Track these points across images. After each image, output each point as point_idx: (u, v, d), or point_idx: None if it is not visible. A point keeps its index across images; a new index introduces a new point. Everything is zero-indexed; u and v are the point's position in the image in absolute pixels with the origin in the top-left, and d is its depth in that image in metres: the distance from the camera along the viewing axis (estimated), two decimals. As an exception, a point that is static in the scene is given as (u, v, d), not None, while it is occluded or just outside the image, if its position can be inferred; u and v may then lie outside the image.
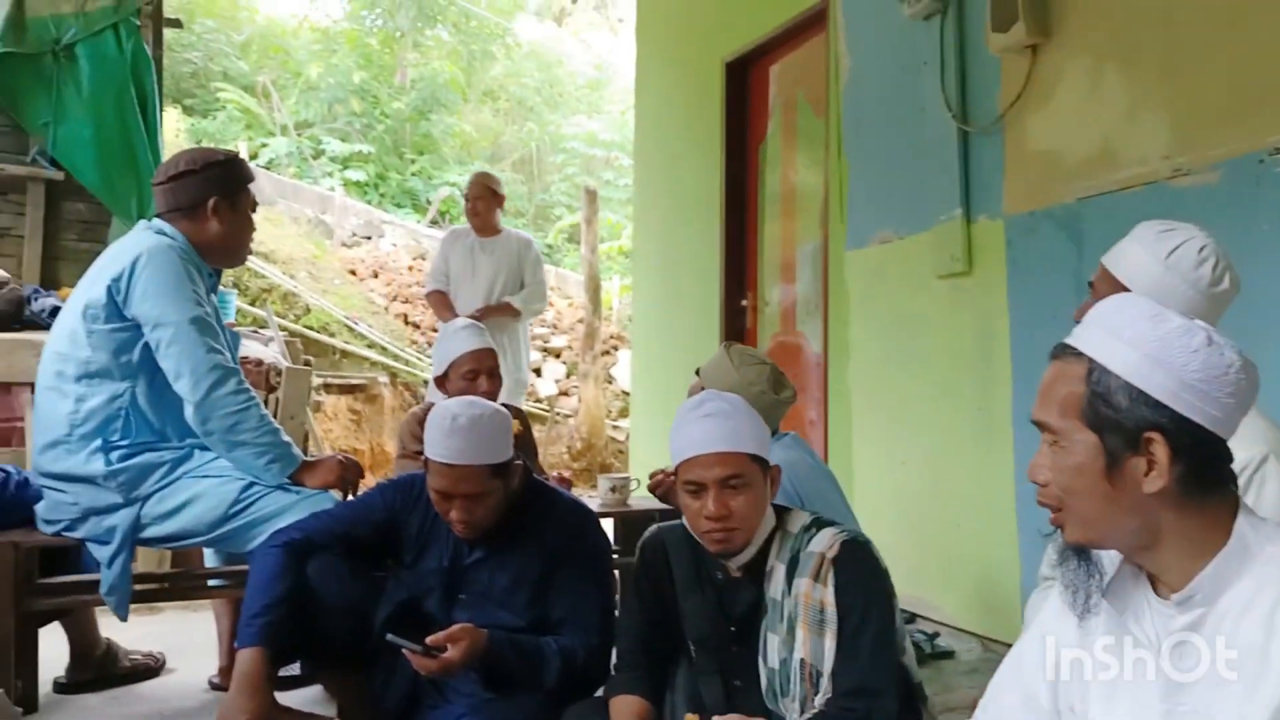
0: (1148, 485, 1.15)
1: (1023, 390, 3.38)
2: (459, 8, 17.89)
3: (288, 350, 5.50)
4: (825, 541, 1.90)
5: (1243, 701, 1.09)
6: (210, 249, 2.73)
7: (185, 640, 3.33)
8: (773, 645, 1.92)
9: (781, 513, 2.02)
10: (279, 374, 4.56)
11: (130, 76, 4.89)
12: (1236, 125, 2.74)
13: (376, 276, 11.36)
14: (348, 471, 2.71)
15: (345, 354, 9.31)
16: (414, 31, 17.51)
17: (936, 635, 3.48)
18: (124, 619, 2.60)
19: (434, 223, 14.17)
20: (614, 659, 2.21)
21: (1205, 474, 1.16)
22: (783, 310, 5.14)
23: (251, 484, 2.58)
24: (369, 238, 12.69)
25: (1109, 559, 1.27)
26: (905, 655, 1.98)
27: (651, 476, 2.97)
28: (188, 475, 2.58)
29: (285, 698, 2.38)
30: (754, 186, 5.41)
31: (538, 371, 10.49)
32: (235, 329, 3.48)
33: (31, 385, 3.27)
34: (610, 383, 10.85)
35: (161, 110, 5.19)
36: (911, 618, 3.68)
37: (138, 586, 2.65)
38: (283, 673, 2.47)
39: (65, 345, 2.57)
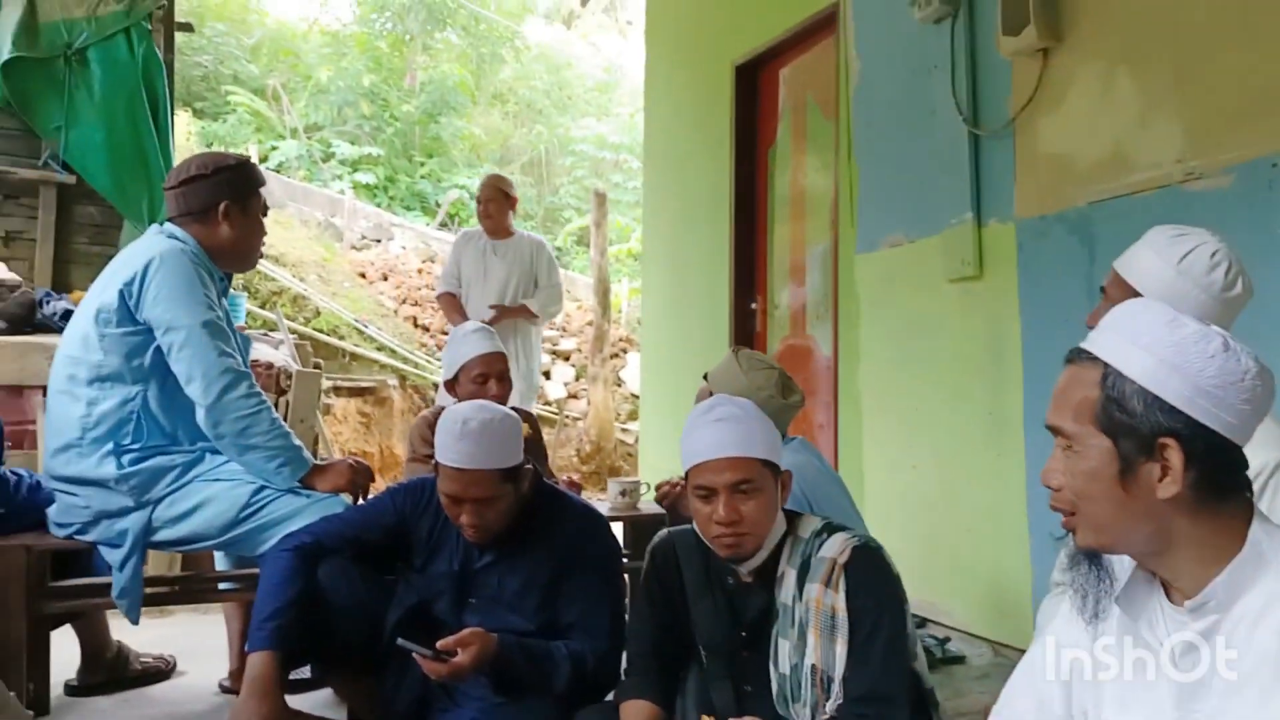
0: (1161, 491, 1.14)
1: (1034, 394, 3.37)
2: (468, 11, 17.92)
3: (298, 353, 5.51)
4: (836, 547, 1.89)
5: (1257, 708, 1.09)
6: (221, 253, 2.74)
7: (196, 643, 3.34)
8: (784, 651, 1.92)
9: (792, 518, 2.02)
10: (289, 377, 4.57)
11: (142, 80, 4.91)
12: (1249, 129, 2.73)
13: (386, 279, 11.37)
14: (358, 475, 2.71)
15: (355, 357, 9.32)
16: (423, 35, 17.54)
17: (947, 640, 3.47)
18: (135, 622, 2.61)
19: (443, 225, 14.18)
20: (624, 663, 2.21)
21: (1220, 480, 1.15)
22: (792, 313, 5.13)
23: (262, 488, 2.59)
24: (378, 241, 12.71)
25: (1120, 565, 1.26)
26: (917, 661, 1.98)
27: (658, 488, 2.97)
28: (199, 479, 2.59)
29: (296, 701, 2.38)
30: (764, 189, 5.40)
31: (547, 374, 10.49)
32: (246, 332, 3.49)
33: (43, 388, 3.28)
34: (619, 386, 10.85)
35: (173, 114, 5.21)
36: (922, 622, 3.67)
37: (148, 590, 2.66)
38: (293, 676, 2.48)
39: (77, 349, 2.58)
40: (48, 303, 4.17)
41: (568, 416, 10.17)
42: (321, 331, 9.20)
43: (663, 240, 6.65)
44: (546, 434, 6.05)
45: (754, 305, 5.38)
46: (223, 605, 3.03)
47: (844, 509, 2.72)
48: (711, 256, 5.64)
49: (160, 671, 3.12)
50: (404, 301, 10.98)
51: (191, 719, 2.86)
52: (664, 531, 2.20)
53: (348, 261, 11.53)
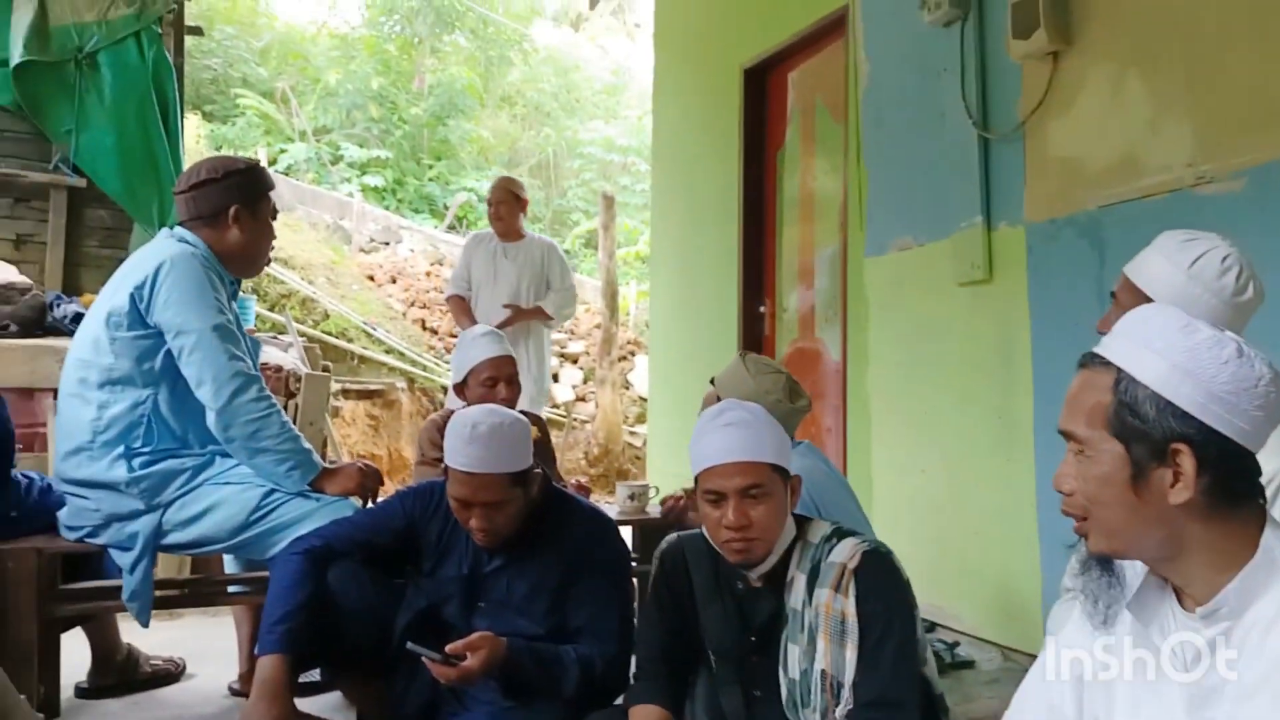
0: (1173, 496, 1.14)
1: (1044, 398, 3.36)
2: (477, 14, 17.96)
3: (307, 356, 5.52)
4: (846, 552, 1.89)
5: (1269, 715, 1.09)
6: (231, 257, 2.75)
7: (205, 646, 3.35)
8: (793, 656, 1.91)
9: (802, 522, 2.01)
10: (298, 380, 4.57)
11: (152, 84, 4.93)
12: (1261, 132, 2.72)
13: (394, 282, 11.40)
14: (367, 479, 2.71)
15: (363, 359, 9.34)
16: (432, 38, 17.59)
17: (956, 645, 3.46)
18: (145, 625, 2.62)
19: (451, 228, 14.22)
20: (633, 668, 2.21)
21: (1232, 486, 1.15)
22: (801, 316, 5.13)
23: (272, 491, 2.59)
24: (387, 243, 12.75)
25: (1133, 570, 1.26)
26: (926, 666, 1.98)
27: (663, 503, 2.96)
28: (209, 482, 2.60)
29: (305, 704, 2.38)
30: (772, 192, 5.40)
31: (555, 377, 10.50)
32: (255, 335, 3.50)
33: (54, 391, 3.30)
34: (627, 388, 10.85)
35: (183, 117, 5.23)
36: (931, 627, 3.66)
37: (158, 592, 2.67)
38: (302, 679, 2.48)
39: (88, 352, 2.59)
40: (58, 306, 4.18)
41: (575, 419, 10.17)
42: (330, 334, 9.23)
43: (671, 243, 6.65)
44: (554, 437, 6.05)
45: (762, 308, 5.38)
46: (232, 608, 3.04)
47: (851, 513, 2.71)
48: (720, 259, 5.64)
49: (170, 674, 3.13)
50: (412, 304, 11.01)
51: (201, 722, 2.87)
52: (673, 536, 2.19)
53: (356, 264, 11.57)
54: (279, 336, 6.33)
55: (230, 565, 2.95)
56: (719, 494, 1.91)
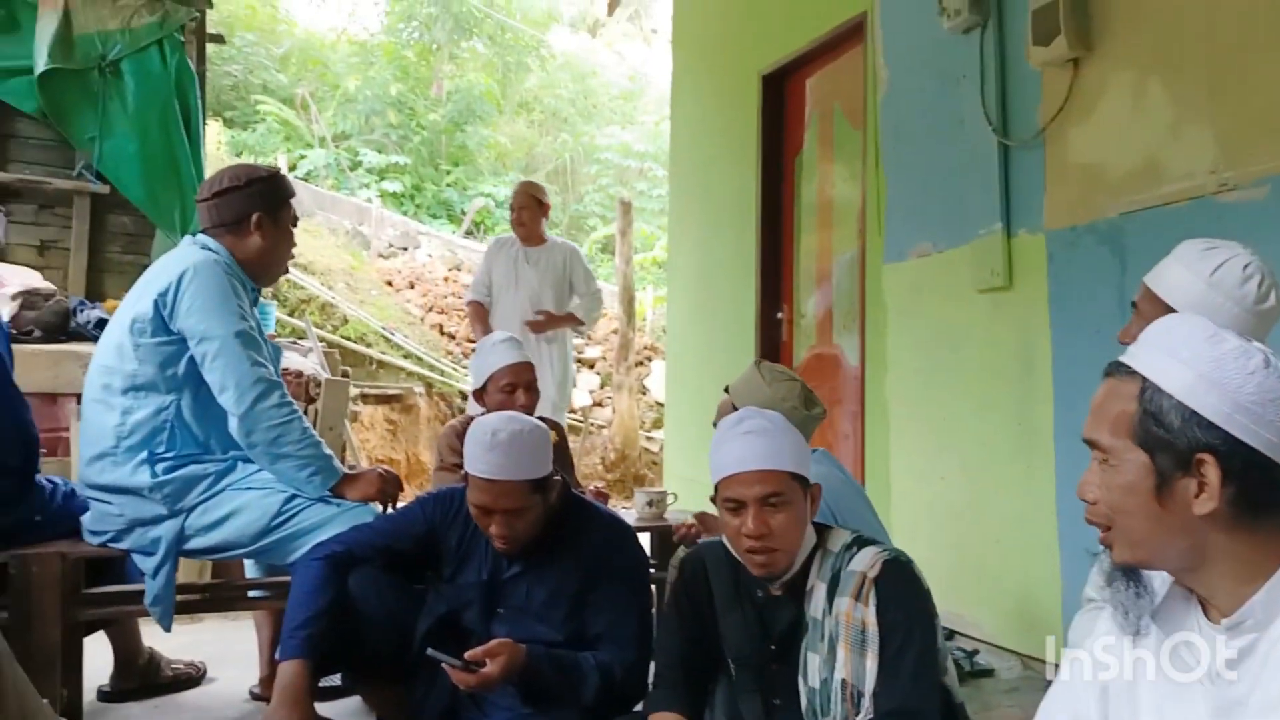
0: (1198, 507, 1.13)
1: (1064, 406, 3.34)
2: (494, 20, 18.04)
3: (326, 361, 5.56)
4: (867, 560, 1.89)
5: (1294, 727, 1.08)
6: (253, 264, 2.77)
7: (226, 650, 3.36)
8: (813, 664, 1.91)
9: (822, 531, 2.01)
10: (318, 385, 4.60)
11: (174, 91, 4.98)
12: (1284, 139, 2.70)
13: (413, 287, 11.45)
14: (388, 485, 2.73)
15: (382, 364, 9.39)
16: (450, 44, 17.67)
17: (976, 653, 3.44)
18: (168, 629, 2.63)
19: (469, 233, 14.27)
20: (651, 675, 2.21)
21: (1258, 497, 1.14)
22: (819, 323, 5.12)
23: (293, 496, 2.61)
24: (405, 249, 12.81)
25: (1159, 580, 1.25)
26: (946, 675, 1.97)
27: (676, 529, 2.95)
28: (231, 487, 2.61)
29: (325, 708, 2.40)
30: (790, 198, 5.40)
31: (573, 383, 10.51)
32: (275, 340, 3.52)
33: (77, 396, 3.32)
34: (644, 394, 10.86)
35: (205, 124, 5.27)
36: (950, 635, 3.64)
37: (180, 597, 2.67)
38: (323, 683, 2.49)
39: (112, 358, 2.61)
40: (82, 311, 4.22)
41: (592, 424, 10.18)
42: (349, 339, 9.27)
43: (688, 248, 6.65)
44: (571, 442, 6.07)
45: (780, 314, 5.38)
46: (253, 612, 3.06)
47: (867, 521, 2.71)
48: (737, 265, 5.64)
49: (191, 678, 3.15)
50: (430, 309, 11.05)
51: (221, 726, 2.89)
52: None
53: (375, 269, 11.62)
54: (299, 341, 6.37)
55: (251, 570, 2.97)
56: (739, 502, 1.91)
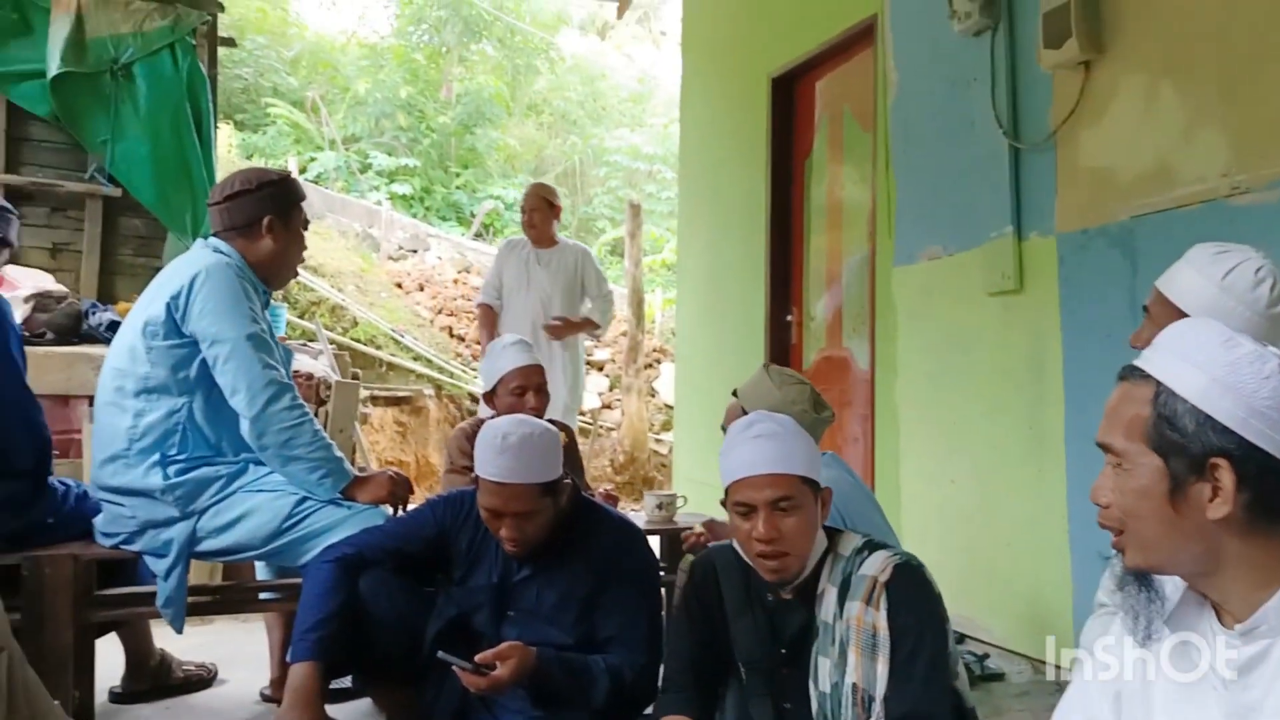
0: (1212, 511, 1.13)
1: (1075, 410, 3.33)
2: (504, 23, 18.07)
3: (336, 363, 5.57)
4: (878, 565, 1.88)
5: (1309, 733, 1.08)
6: (264, 267, 2.78)
7: (237, 651, 3.37)
8: (824, 669, 1.91)
9: (833, 535, 2.01)
10: (329, 388, 4.61)
11: (186, 95, 5.00)
12: (1297, 142, 2.69)
13: (422, 289, 11.47)
14: (398, 487, 2.73)
15: (391, 366, 9.41)
16: (459, 47, 17.71)
17: (986, 657, 3.43)
18: (179, 631, 2.64)
19: (478, 236, 14.30)
20: (661, 678, 2.21)
21: (1272, 502, 1.14)
22: (828, 325, 5.11)
23: (305, 499, 2.62)
24: (415, 251, 12.83)
25: (1172, 585, 1.25)
26: (958, 680, 1.96)
27: (684, 539, 2.96)
28: (242, 490, 2.62)
29: (336, 710, 2.40)
30: (799, 201, 5.39)
31: (582, 386, 10.52)
32: (286, 343, 3.53)
33: (89, 398, 3.34)
34: (653, 396, 10.86)
35: (216, 128, 5.29)
36: (961, 638, 3.63)
37: (191, 599, 2.68)
38: (333, 685, 2.49)
39: (125, 361, 2.62)
40: (94, 313, 4.24)
41: (601, 427, 10.19)
42: (359, 341, 9.29)
43: (698, 251, 6.65)
44: (581, 444, 6.07)
45: (790, 317, 5.37)
46: (264, 614, 3.07)
47: (877, 524, 2.71)
48: (747, 267, 5.64)
49: (202, 680, 3.16)
50: (440, 311, 11.07)
51: (233, 728, 2.89)
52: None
53: (385, 272, 11.65)
54: (309, 344, 6.39)
55: (262, 572, 2.97)
56: (749, 506, 1.90)
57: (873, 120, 4.56)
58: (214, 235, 2.77)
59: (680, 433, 6.98)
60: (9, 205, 2.87)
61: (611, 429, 10.30)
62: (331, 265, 10.34)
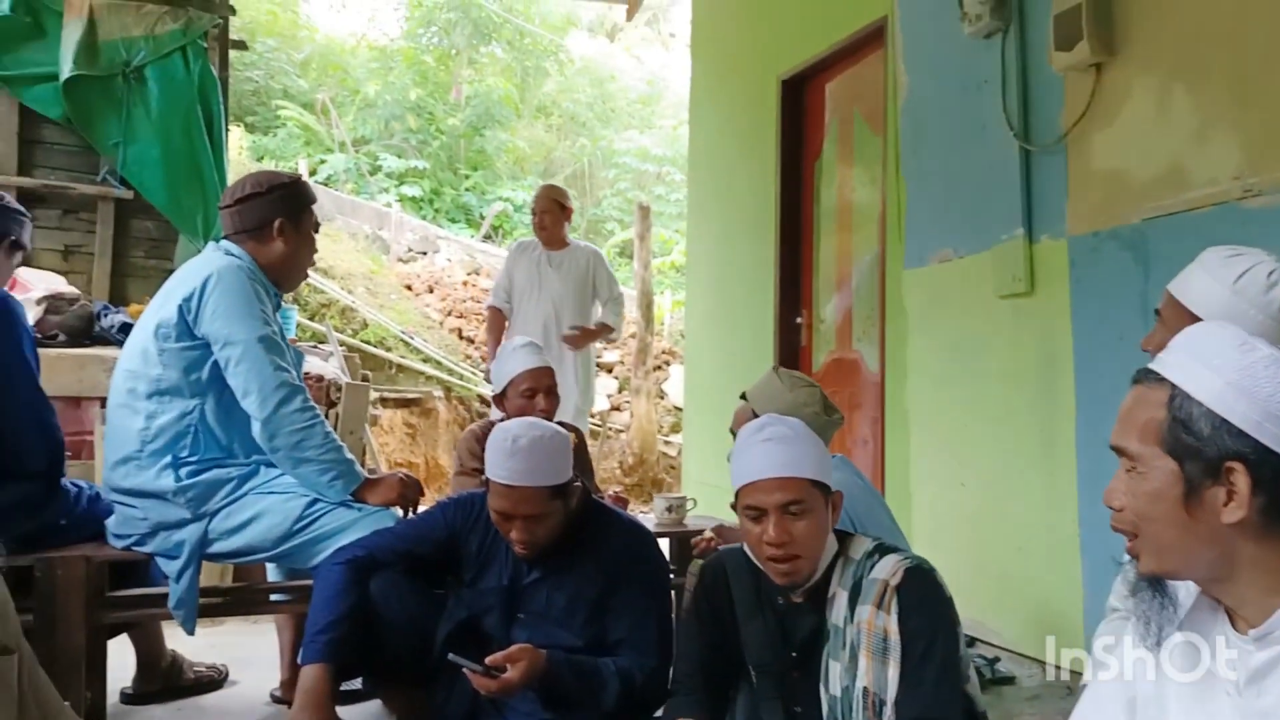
0: (1226, 515, 1.13)
1: (1087, 414, 3.32)
2: (513, 25, 18.09)
3: (346, 365, 5.58)
4: (889, 568, 1.88)
5: (1324, 739, 1.07)
6: (275, 269, 2.79)
7: (248, 652, 3.38)
8: (835, 672, 1.91)
9: (843, 538, 2.01)
10: (339, 389, 4.62)
11: (197, 97, 5.02)
12: (1310, 144, 2.68)
13: (432, 291, 11.49)
14: (408, 490, 2.74)
15: (401, 368, 9.42)
16: (469, 49, 17.72)
17: (997, 660, 3.42)
18: (191, 632, 2.65)
19: (487, 238, 14.31)
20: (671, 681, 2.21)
21: None
22: (838, 328, 5.10)
23: (315, 501, 2.62)
24: (424, 253, 12.85)
25: (1185, 590, 1.25)
26: (969, 684, 1.96)
27: (694, 544, 2.96)
28: (254, 491, 2.63)
29: (346, 712, 2.41)
30: (809, 203, 5.39)
31: (591, 388, 10.52)
32: (297, 345, 3.54)
33: (101, 400, 3.36)
34: (662, 398, 10.85)
35: (227, 130, 5.31)
36: (971, 642, 3.62)
37: (202, 600, 2.70)
38: (344, 687, 2.50)
39: (137, 363, 2.63)
40: (105, 315, 4.25)
41: (610, 429, 10.19)
42: (369, 343, 9.31)
43: (707, 253, 6.65)
44: (590, 446, 6.08)
45: (799, 319, 5.36)
46: (274, 616, 3.07)
47: (886, 527, 2.70)
48: (756, 269, 5.63)
49: (213, 681, 3.17)
50: (449, 313, 11.09)
51: (243, 728, 2.90)
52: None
53: (394, 274, 11.67)
54: (319, 346, 6.41)
55: (272, 573, 2.98)
56: (759, 510, 1.90)
57: (883, 122, 4.56)
58: (225, 238, 2.78)
59: (689, 435, 6.98)
60: (21, 208, 2.88)
61: (620, 431, 10.30)
62: (341, 267, 10.36)
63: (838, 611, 1.92)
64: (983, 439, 3.85)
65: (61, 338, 4.07)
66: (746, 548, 2.01)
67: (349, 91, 16.56)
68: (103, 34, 4.86)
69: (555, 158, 17.56)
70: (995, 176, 3.76)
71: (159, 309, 2.66)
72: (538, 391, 3.23)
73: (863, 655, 1.84)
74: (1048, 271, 3.53)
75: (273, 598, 2.94)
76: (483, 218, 14.98)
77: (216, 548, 2.63)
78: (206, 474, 2.60)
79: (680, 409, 9.22)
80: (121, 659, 2.96)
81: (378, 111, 16.09)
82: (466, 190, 16.01)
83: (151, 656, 3.03)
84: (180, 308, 2.58)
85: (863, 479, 2.94)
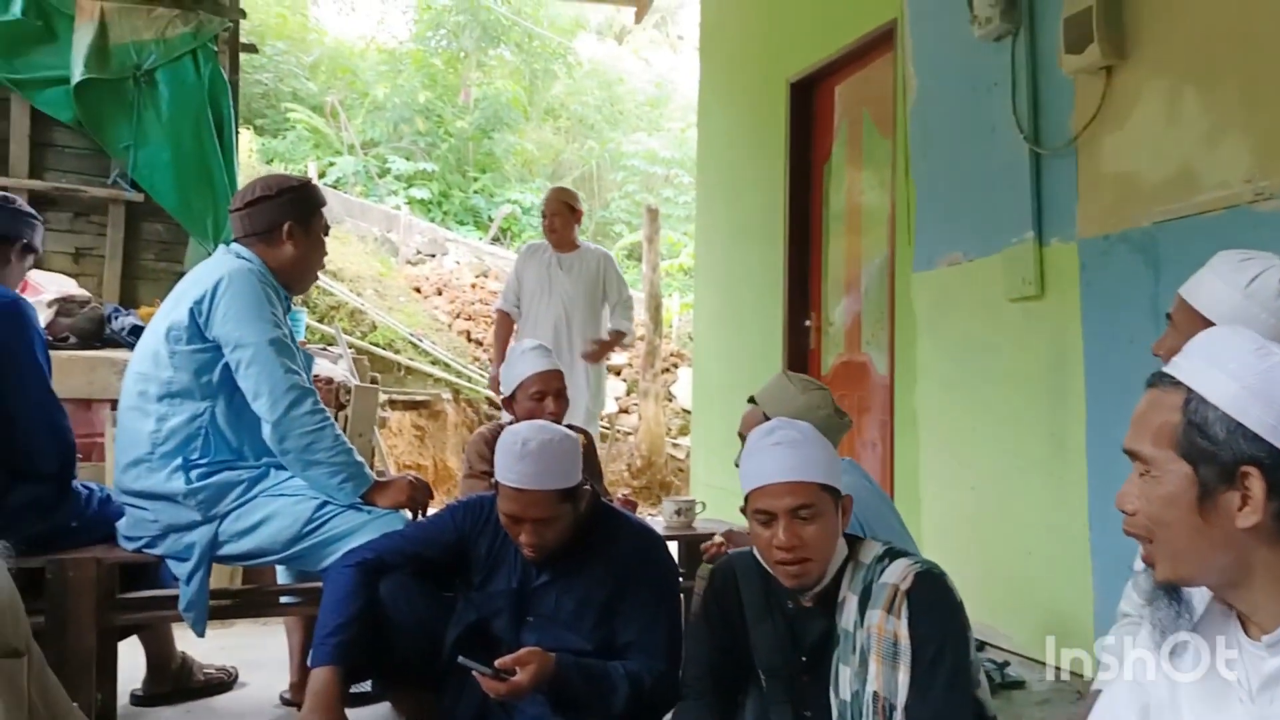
0: (1241, 520, 1.12)
1: (1097, 417, 3.31)
2: (522, 28, 18.11)
3: (355, 368, 5.59)
4: (899, 572, 1.88)
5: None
6: (285, 272, 2.79)
7: (257, 654, 3.39)
8: (844, 677, 1.90)
9: (853, 542, 2.00)
10: (348, 392, 4.63)
11: (207, 101, 5.03)
12: (1322, 147, 2.67)
13: (440, 294, 11.50)
14: (418, 492, 2.74)
15: (410, 370, 9.43)
16: (478, 51, 17.76)
17: (1006, 664, 3.41)
18: (201, 634, 2.66)
19: (495, 240, 14.32)
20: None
21: None
22: (847, 331, 5.10)
23: (325, 503, 2.63)
24: (433, 255, 12.87)
25: (1199, 596, 1.24)
26: (979, 688, 1.95)
27: (704, 549, 2.96)
28: (264, 494, 2.64)
29: (355, 714, 2.41)
30: (818, 206, 5.38)
31: (598, 391, 10.52)
32: (306, 347, 3.54)
33: (112, 402, 3.37)
34: (670, 401, 10.85)
35: (237, 133, 5.32)
36: (981, 646, 3.61)
37: (212, 602, 2.70)
38: (353, 689, 2.50)
39: (148, 366, 2.64)
40: (116, 318, 4.26)
41: (618, 431, 10.19)
42: (378, 345, 9.33)
43: (716, 255, 6.65)
44: (598, 449, 6.08)
45: (808, 322, 5.36)
46: (284, 618, 3.08)
47: (896, 530, 2.70)
48: (765, 272, 5.63)
49: (223, 682, 3.18)
50: (458, 316, 11.10)
51: (253, 730, 2.91)
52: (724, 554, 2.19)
53: (403, 276, 11.69)
54: (328, 348, 6.42)
55: (282, 575, 2.99)
56: (769, 514, 1.90)
57: (892, 125, 4.55)
58: (235, 241, 2.79)
59: (697, 437, 6.98)
60: (33, 211, 2.89)
61: (629, 433, 10.30)
62: (350, 270, 10.38)
63: (848, 616, 1.92)
64: (992, 442, 3.84)
65: (72, 340, 4.08)
66: (756, 551, 2.01)
67: (358, 94, 16.59)
68: (114, 37, 4.88)
69: (563, 160, 17.57)
70: (1005, 179, 3.75)
71: (170, 312, 2.66)
72: (547, 394, 3.23)
73: (873, 660, 1.84)
74: (1058, 275, 3.53)
75: (282, 600, 2.94)
76: (491, 220, 15.00)
77: (227, 550, 2.64)
78: (217, 476, 2.61)
79: (688, 411, 9.22)
80: (132, 661, 2.98)
81: (386, 114, 16.13)
82: (475, 193, 16.03)
83: (162, 658, 3.04)
84: (191, 310, 2.59)
85: (872, 482, 2.93)
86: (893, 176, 4.54)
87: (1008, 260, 3.72)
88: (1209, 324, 1.77)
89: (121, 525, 2.70)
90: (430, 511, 2.74)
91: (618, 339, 5.23)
